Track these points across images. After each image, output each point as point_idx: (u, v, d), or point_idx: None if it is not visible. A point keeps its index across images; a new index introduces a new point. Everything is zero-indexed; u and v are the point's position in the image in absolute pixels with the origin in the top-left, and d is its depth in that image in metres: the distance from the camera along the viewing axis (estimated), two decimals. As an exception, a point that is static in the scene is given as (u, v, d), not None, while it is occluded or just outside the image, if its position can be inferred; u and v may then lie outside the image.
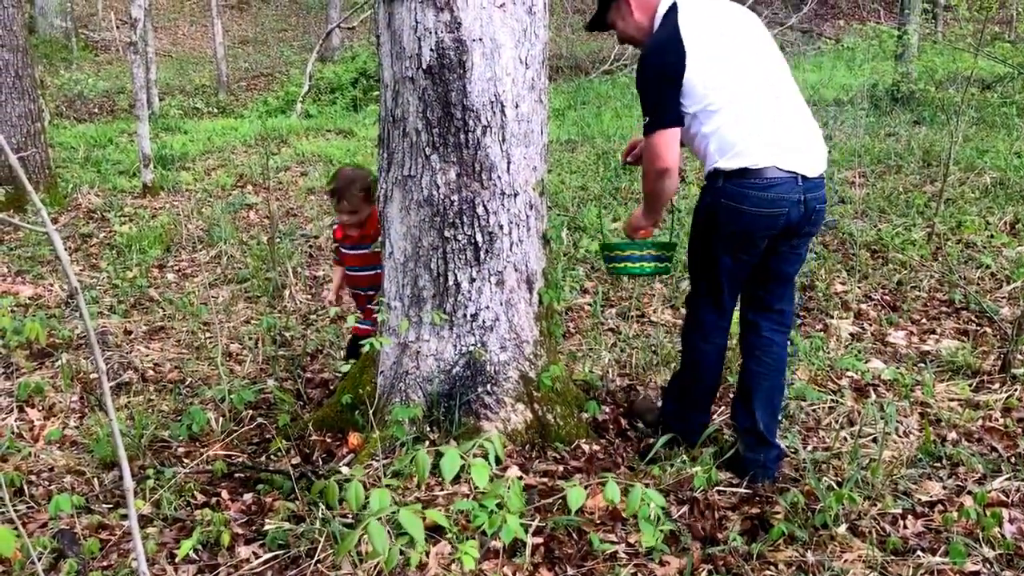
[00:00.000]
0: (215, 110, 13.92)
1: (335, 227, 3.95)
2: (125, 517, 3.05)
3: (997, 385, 3.88)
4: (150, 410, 3.95)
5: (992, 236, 5.77)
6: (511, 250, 3.27)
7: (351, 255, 3.87)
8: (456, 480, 2.98)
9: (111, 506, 3.17)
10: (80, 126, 12.08)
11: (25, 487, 3.29)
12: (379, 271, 3.72)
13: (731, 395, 3.83)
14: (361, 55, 15.16)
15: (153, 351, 4.70)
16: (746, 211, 2.96)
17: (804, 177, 2.96)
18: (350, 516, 2.82)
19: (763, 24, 3.17)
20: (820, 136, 3.09)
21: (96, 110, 14.01)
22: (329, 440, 3.54)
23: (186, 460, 3.50)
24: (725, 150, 2.95)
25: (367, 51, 15.36)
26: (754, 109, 2.95)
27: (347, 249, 3.88)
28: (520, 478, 3.07)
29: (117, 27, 19.70)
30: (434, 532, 2.69)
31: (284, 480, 3.19)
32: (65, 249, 6.91)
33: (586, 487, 2.97)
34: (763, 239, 3.05)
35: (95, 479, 3.38)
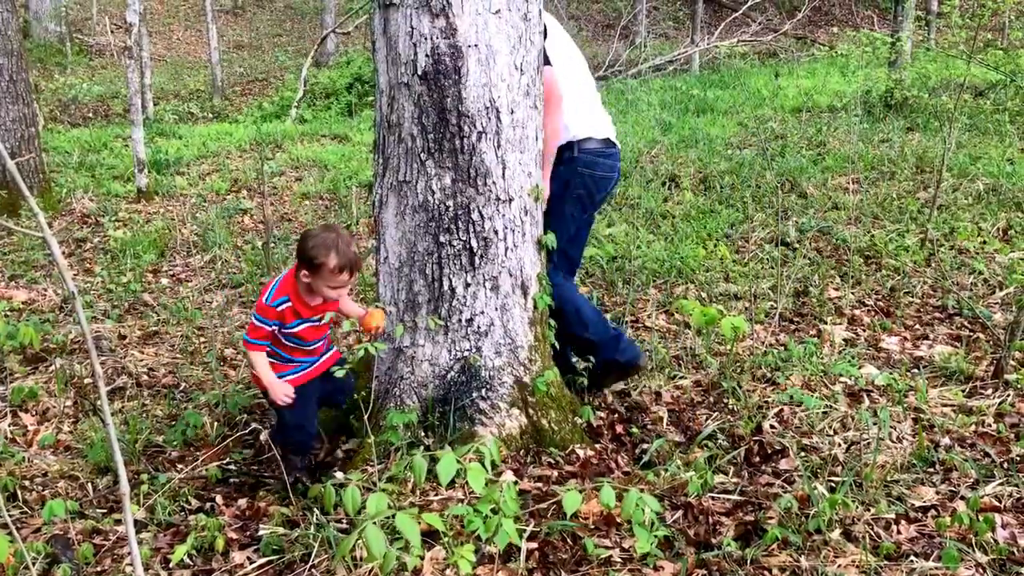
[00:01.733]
0: (210, 115, 13.92)
1: (284, 306, 3.11)
2: (119, 522, 3.05)
3: (990, 391, 3.89)
4: (144, 415, 3.95)
5: (985, 242, 5.79)
6: (506, 255, 3.28)
7: (307, 328, 3.20)
8: (451, 485, 2.99)
9: (105, 511, 3.17)
10: (74, 130, 12.07)
11: (19, 492, 3.28)
12: (325, 342, 3.38)
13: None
14: (356, 60, 15.17)
15: (147, 356, 4.70)
16: (598, 175, 3.66)
17: (617, 149, 3.75)
18: (344, 521, 2.82)
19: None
20: None
21: (91, 114, 14.00)
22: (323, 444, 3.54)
23: (180, 465, 3.49)
24: (574, 124, 3.57)
25: (362, 56, 15.37)
26: (584, 95, 3.68)
27: (305, 323, 3.18)
28: (515, 483, 3.07)
29: (112, 32, 19.69)
30: (429, 537, 2.69)
31: (279, 484, 3.19)
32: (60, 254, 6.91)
33: (581, 491, 2.97)
34: (602, 200, 3.79)
35: (89, 484, 3.37)
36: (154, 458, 3.57)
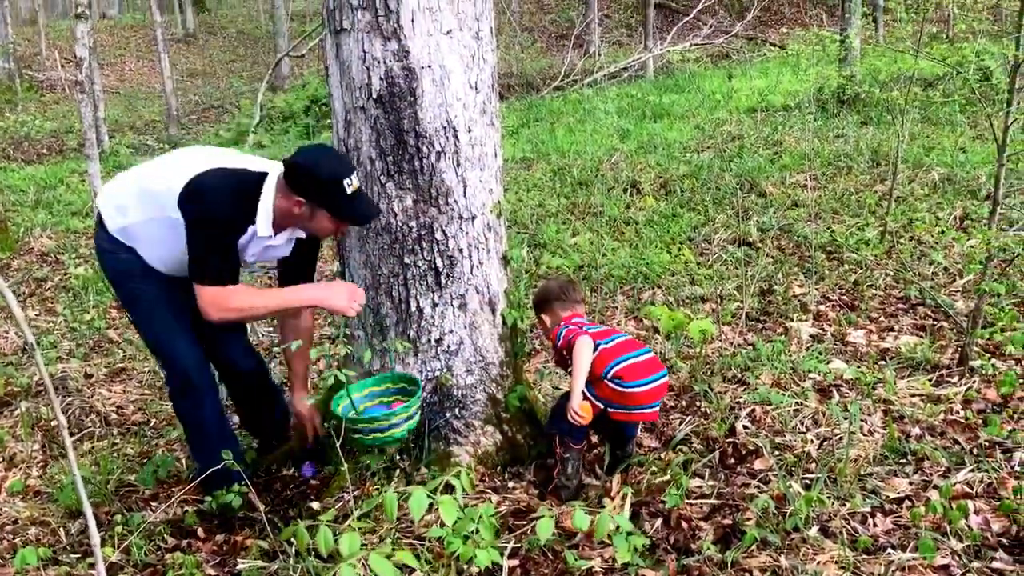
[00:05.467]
0: (166, 145, 13.78)
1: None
2: (94, 566, 3.00)
3: (956, 378, 3.95)
4: (115, 454, 3.89)
5: (943, 232, 5.89)
6: (472, 273, 3.28)
7: None
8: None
9: (79, 556, 3.12)
10: (29, 168, 11.90)
11: (-11, 542, 3.22)
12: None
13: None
14: (312, 83, 15.12)
15: (115, 394, 4.64)
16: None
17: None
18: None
19: None
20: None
21: (44, 151, 13.82)
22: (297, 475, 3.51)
23: (154, 503, 3.45)
24: None
25: (317, 79, 15.34)
26: None
27: None
28: (492, 505, 3.07)
29: (62, 66, 19.48)
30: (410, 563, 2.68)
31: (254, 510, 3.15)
32: (19, 295, 6.73)
33: (559, 509, 2.98)
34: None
35: (61, 529, 3.31)
36: (127, 497, 3.53)
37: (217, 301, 3.00)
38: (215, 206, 2.97)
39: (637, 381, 3.12)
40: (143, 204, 3.13)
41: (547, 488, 3.20)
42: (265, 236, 3.04)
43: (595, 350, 3.15)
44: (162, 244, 3.13)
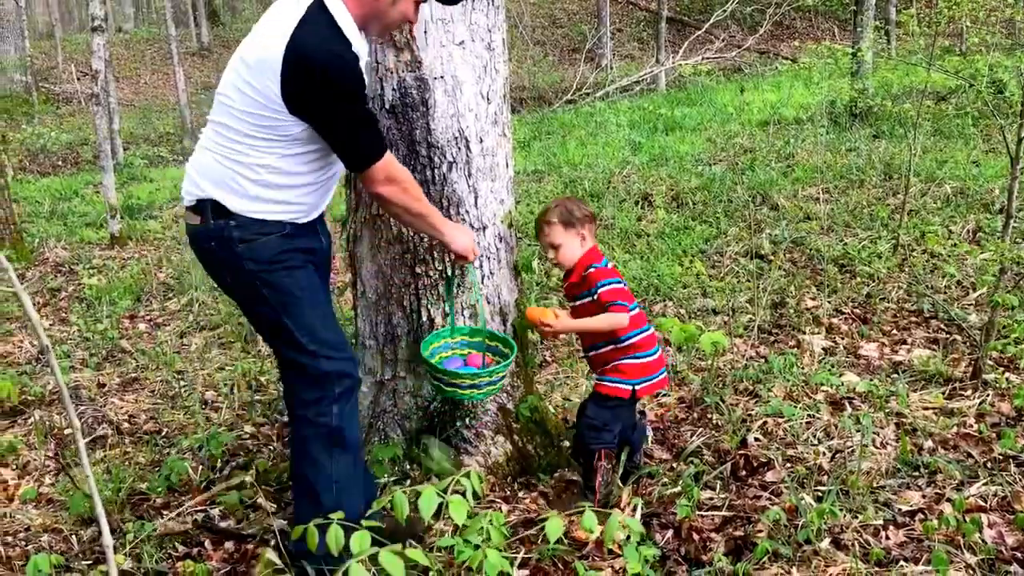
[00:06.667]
0: (180, 157, 13.88)
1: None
2: (106, 574, 3.00)
3: (969, 392, 3.93)
4: (127, 463, 3.91)
5: (955, 245, 5.86)
6: (483, 283, 3.29)
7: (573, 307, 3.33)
8: (438, 517, 2.98)
9: (90, 563, 3.12)
10: (44, 180, 12.01)
11: (1, 549, 3.24)
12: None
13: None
14: (325, 95, 15.18)
15: (127, 403, 4.65)
16: None
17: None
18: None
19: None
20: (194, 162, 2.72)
21: (60, 163, 13.94)
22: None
23: (165, 512, 3.45)
24: None
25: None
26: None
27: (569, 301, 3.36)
28: (503, 512, 3.07)
29: (78, 79, 19.67)
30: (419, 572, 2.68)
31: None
32: (33, 304, 6.81)
33: (569, 517, 2.97)
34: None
35: (73, 536, 3.33)
36: (139, 506, 3.53)
37: (388, 170, 2.63)
38: (333, 65, 2.43)
39: (650, 351, 3.25)
40: (253, 139, 2.55)
41: (593, 497, 3.15)
42: (365, 58, 2.62)
43: None
44: (299, 168, 2.62)
